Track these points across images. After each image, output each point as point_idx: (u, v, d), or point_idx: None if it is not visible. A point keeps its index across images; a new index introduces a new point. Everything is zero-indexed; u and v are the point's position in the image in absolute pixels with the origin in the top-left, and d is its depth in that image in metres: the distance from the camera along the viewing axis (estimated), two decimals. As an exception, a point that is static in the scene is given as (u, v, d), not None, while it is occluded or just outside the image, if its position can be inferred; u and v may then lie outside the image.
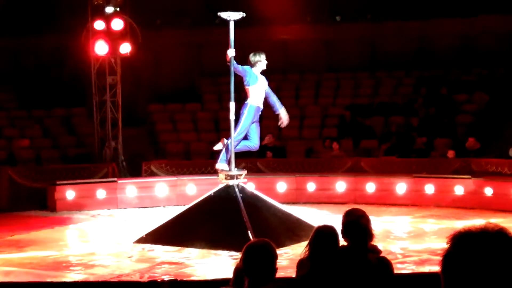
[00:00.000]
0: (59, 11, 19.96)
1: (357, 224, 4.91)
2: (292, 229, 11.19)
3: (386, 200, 15.58)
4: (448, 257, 2.15)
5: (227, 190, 11.50)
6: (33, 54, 21.56)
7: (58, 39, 20.32)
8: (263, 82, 11.81)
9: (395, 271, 5.01)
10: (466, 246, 2.12)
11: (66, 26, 19.08)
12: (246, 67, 11.51)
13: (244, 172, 11.77)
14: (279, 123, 12.07)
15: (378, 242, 5.24)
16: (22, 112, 20.32)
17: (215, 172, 12.27)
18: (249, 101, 11.66)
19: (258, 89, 11.74)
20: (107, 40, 17.34)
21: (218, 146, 12.06)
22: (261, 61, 11.67)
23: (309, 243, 4.96)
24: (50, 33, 20.42)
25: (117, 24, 17.38)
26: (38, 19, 20.87)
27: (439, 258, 2.19)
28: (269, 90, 11.96)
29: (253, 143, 11.87)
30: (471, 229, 2.15)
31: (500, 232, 2.14)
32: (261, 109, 11.90)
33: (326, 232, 4.95)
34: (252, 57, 11.65)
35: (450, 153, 16.79)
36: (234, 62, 11.28)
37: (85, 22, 17.59)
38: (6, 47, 21.33)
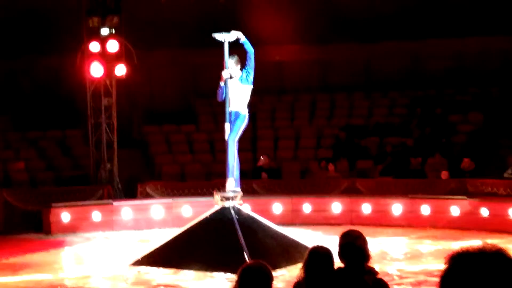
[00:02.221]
0: (55, 33, 19.97)
1: (353, 246, 4.90)
2: (288, 251, 11.16)
3: (382, 221, 15.55)
4: (446, 278, 2.14)
5: (223, 212, 11.48)
6: (28, 75, 21.56)
7: (54, 61, 20.34)
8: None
9: (392, 293, 4.99)
10: (465, 266, 2.11)
11: (61, 47, 19.09)
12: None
13: (240, 193, 11.75)
14: None
15: (374, 263, 5.23)
16: (17, 134, 20.28)
17: (210, 193, 12.26)
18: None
19: None
20: (103, 62, 17.36)
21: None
22: None
23: (303, 265, 4.94)
24: (46, 54, 20.45)
25: (113, 46, 17.39)
26: (33, 40, 20.90)
27: (436, 279, 2.18)
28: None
29: None
30: (469, 250, 2.14)
31: (498, 253, 2.13)
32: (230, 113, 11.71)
33: (320, 253, 4.93)
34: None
35: (444, 174, 16.79)
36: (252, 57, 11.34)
37: (81, 44, 17.63)
38: (0, 69, 21.34)
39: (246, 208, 12.73)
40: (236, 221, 11.22)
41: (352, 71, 22.61)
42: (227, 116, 11.56)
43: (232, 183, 11.64)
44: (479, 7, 21.39)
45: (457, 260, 2.14)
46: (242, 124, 11.61)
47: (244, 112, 11.62)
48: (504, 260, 2.12)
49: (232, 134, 11.56)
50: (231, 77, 11.52)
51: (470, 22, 21.36)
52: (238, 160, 11.78)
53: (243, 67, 11.55)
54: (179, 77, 22.45)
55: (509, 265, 2.11)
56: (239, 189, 11.73)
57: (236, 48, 11.71)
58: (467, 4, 21.51)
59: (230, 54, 11.60)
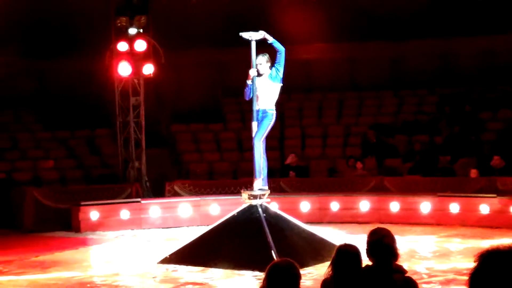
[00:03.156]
0: (83, 33, 20.14)
1: (381, 244, 4.87)
2: (316, 249, 11.14)
3: (410, 220, 15.46)
4: (476, 276, 2.12)
5: (251, 210, 11.48)
6: (57, 75, 21.75)
7: (82, 61, 20.49)
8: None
9: (421, 291, 4.96)
10: (494, 264, 2.09)
11: (90, 47, 19.25)
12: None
13: (268, 192, 11.74)
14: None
15: (403, 262, 5.20)
16: (47, 134, 20.48)
17: (238, 192, 12.28)
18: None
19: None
20: (131, 61, 17.46)
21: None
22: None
23: (331, 263, 4.94)
24: (74, 54, 20.61)
25: (140, 45, 17.50)
26: (62, 40, 21.08)
27: (465, 278, 2.16)
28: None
29: None
30: (499, 248, 2.12)
31: None
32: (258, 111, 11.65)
33: (348, 251, 4.92)
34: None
35: (473, 172, 16.63)
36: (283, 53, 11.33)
37: (109, 43, 17.74)
38: (30, 69, 21.55)
39: (274, 206, 12.73)
40: (263, 219, 11.21)
41: (380, 69, 22.49)
42: (255, 114, 11.54)
43: (260, 184, 11.63)
44: (509, 5, 21.16)
45: (486, 258, 2.12)
46: (269, 123, 11.57)
47: (272, 110, 11.58)
48: None
49: (259, 134, 11.53)
50: (259, 75, 11.52)
51: (500, 19, 21.15)
52: (266, 158, 11.76)
53: (272, 65, 11.55)
54: (207, 76, 22.50)
55: None
56: (266, 187, 11.72)
57: (265, 47, 11.70)
58: (496, 1, 21.29)
59: (260, 52, 11.58)
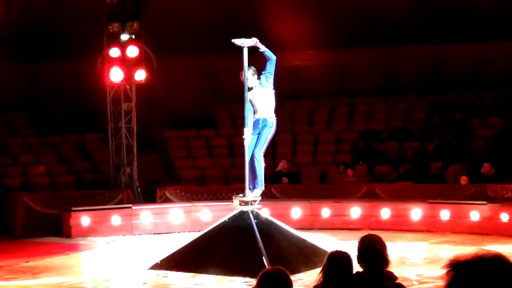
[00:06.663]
0: (75, 38, 20.12)
1: (372, 250, 4.90)
2: (307, 255, 11.16)
3: (401, 226, 15.50)
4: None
5: (242, 216, 11.49)
6: (49, 80, 21.72)
7: (74, 66, 20.47)
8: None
9: (411, 298, 4.99)
10: (469, 276, 2.08)
11: (81, 53, 19.22)
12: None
13: (259, 198, 11.76)
14: None
15: (394, 268, 5.22)
16: (38, 139, 20.43)
17: (229, 198, 12.28)
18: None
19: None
20: (123, 67, 17.45)
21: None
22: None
23: (322, 270, 4.95)
24: (66, 60, 20.58)
25: (132, 51, 17.50)
26: (54, 45, 21.05)
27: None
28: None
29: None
30: (467, 258, 2.11)
31: (496, 259, 2.11)
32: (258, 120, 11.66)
33: (339, 257, 4.94)
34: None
35: (463, 179, 16.70)
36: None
37: (101, 49, 17.74)
38: (22, 73, 21.51)
39: (265, 213, 12.74)
40: (254, 225, 11.22)
41: (371, 75, 22.56)
42: (248, 121, 11.51)
43: (259, 193, 11.67)
44: (500, 12, 21.28)
45: (459, 270, 2.12)
46: (270, 133, 11.59)
47: (272, 119, 11.60)
48: (503, 266, 2.10)
49: (260, 144, 11.52)
50: (249, 89, 11.54)
51: (490, 26, 21.25)
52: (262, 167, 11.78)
53: (261, 73, 11.58)
54: (199, 82, 22.51)
55: (509, 270, 2.09)
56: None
57: (256, 53, 11.71)
58: (487, 9, 21.40)
59: (250, 60, 11.58)
